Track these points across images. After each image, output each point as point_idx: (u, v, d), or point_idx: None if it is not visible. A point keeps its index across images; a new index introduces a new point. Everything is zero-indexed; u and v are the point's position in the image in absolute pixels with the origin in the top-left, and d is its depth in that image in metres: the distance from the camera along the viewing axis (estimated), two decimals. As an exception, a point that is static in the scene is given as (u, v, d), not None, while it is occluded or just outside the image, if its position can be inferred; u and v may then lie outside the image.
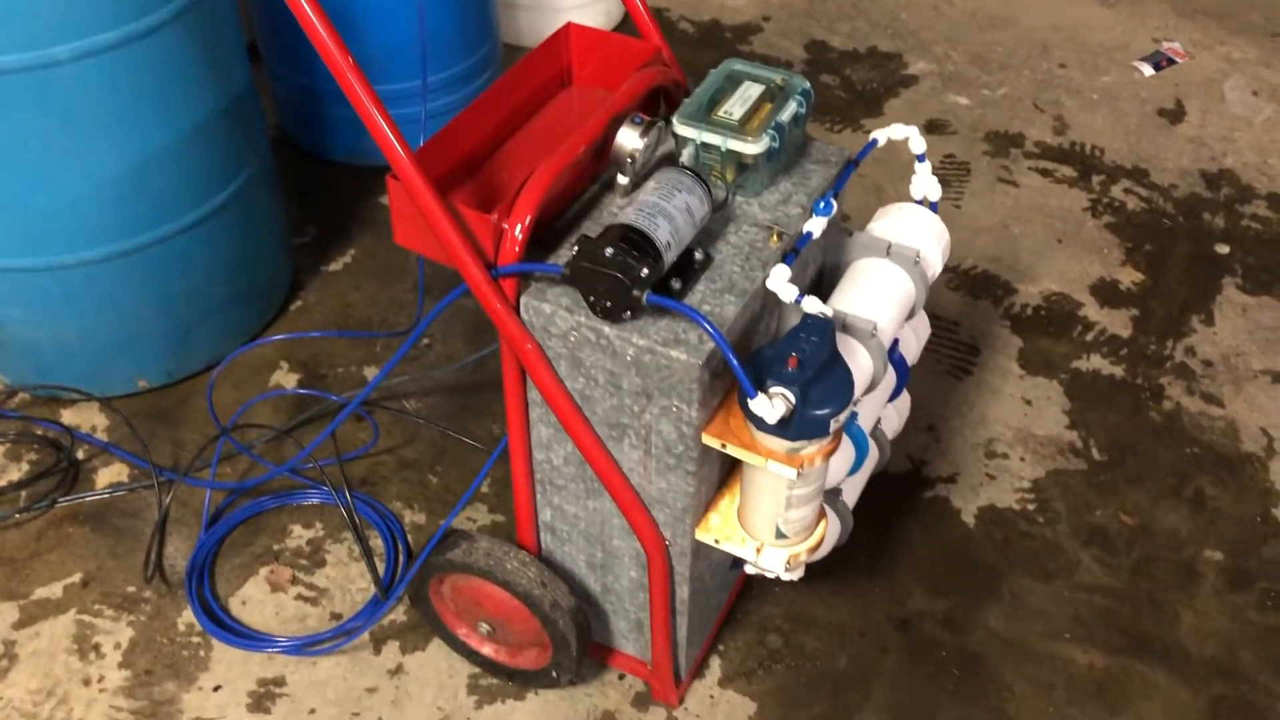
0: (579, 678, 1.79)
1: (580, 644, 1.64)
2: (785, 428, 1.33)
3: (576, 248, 1.33)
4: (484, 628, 1.73)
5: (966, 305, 2.46)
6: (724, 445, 1.39)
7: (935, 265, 1.67)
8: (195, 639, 1.86)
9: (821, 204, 1.49)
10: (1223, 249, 2.63)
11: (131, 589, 1.92)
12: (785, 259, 1.45)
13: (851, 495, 1.77)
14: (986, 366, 2.32)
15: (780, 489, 1.42)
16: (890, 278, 1.58)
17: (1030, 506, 2.07)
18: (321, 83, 2.63)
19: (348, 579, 1.93)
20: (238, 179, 2.13)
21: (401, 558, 1.97)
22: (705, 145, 1.48)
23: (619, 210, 1.40)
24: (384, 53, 2.53)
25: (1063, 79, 3.16)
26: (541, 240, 1.46)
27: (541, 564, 1.62)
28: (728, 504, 1.54)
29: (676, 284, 1.38)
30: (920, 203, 1.70)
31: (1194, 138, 2.97)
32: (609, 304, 1.32)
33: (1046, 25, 3.38)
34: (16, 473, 2.09)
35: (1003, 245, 2.61)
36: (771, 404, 1.29)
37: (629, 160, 1.47)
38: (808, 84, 1.55)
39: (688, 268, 1.41)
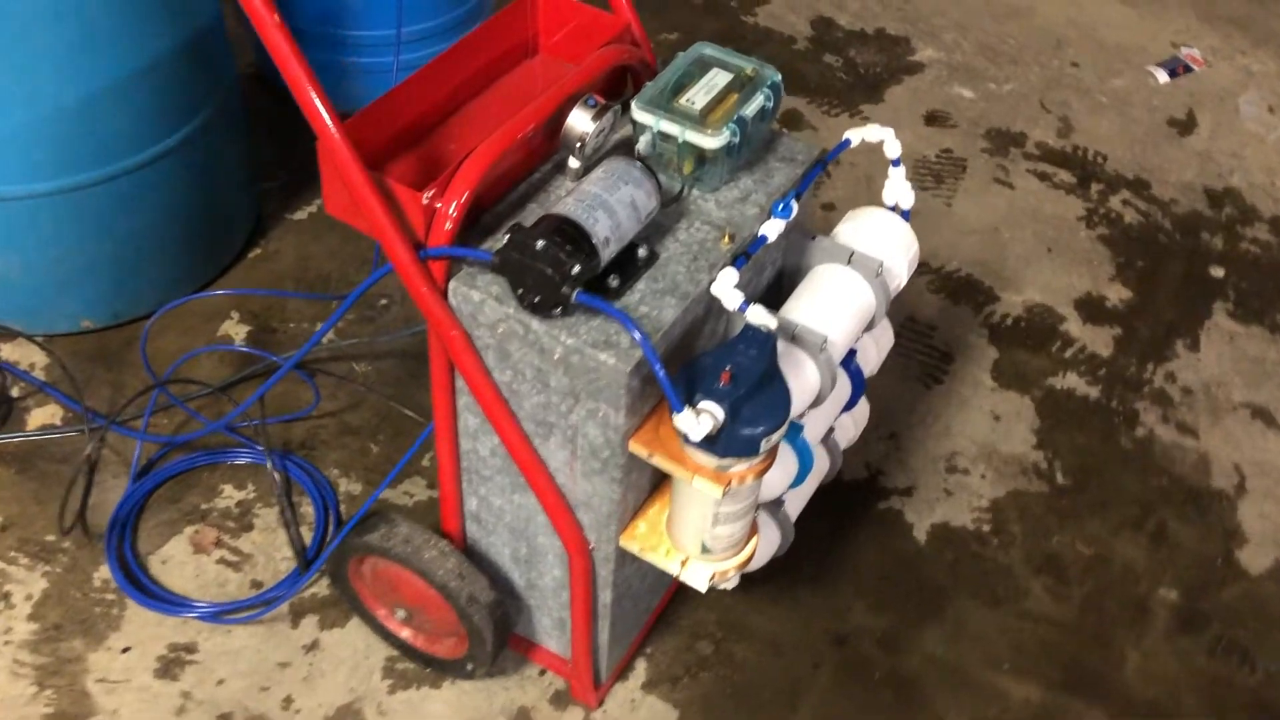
0: (498, 670, 1.73)
1: (497, 640, 1.59)
2: (712, 444, 1.26)
3: (507, 236, 1.25)
4: (400, 613, 1.67)
5: (945, 310, 2.38)
6: (650, 455, 1.32)
7: (900, 276, 1.59)
8: (110, 596, 1.80)
9: (780, 206, 1.41)
10: (1217, 272, 2.54)
11: (50, 538, 1.86)
12: (735, 262, 1.37)
13: (795, 506, 1.70)
14: (958, 376, 2.25)
15: (707, 504, 1.36)
16: (849, 288, 1.50)
17: (985, 527, 2.00)
18: (297, 22, 2.54)
19: (274, 546, 1.87)
20: (195, 120, 2.04)
21: (331, 528, 1.91)
22: (663, 134, 1.40)
23: (558, 200, 1.32)
24: (363, -3, 2.44)
25: (1073, 78, 3.05)
26: (480, 222, 1.38)
27: (461, 555, 1.56)
28: (657, 511, 1.48)
29: (614, 281, 1.30)
30: (892, 209, 1.62)
31: (1202, 151, 2.87)
32: (537, 299, 1.24)
33: (1063, 19, 3.26)
34: (-54, 406, 2.03)
35: (990, 249, 2.53)
36: (697, 420, 1.22)
37: (578, 144, 1.38)
38: (778, 76, 1.46)
39: (629, 264, 1.33)
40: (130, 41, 1.86)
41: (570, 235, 1.23)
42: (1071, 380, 2.26)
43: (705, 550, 1.42)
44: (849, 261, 1.51)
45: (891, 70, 3.02)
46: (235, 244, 2.33)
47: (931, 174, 2.70)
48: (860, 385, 1.66)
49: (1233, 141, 2.91)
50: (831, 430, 1.72)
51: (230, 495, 1.94)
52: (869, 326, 1.56)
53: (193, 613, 1.78)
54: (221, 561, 1.85)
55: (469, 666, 1.65)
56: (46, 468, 1.96)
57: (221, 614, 1.78)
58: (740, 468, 1.30)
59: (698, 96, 1.42)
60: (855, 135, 1.56)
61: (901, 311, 2.34)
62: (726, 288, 1.32)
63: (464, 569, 1.55)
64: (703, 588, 1.44)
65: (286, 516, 1.84)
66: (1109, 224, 2.62)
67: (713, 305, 1.37)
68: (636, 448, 1.33)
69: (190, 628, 1.77)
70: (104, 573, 1.82)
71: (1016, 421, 2.18)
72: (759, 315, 1.30)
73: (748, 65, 1.47)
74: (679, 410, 1.21)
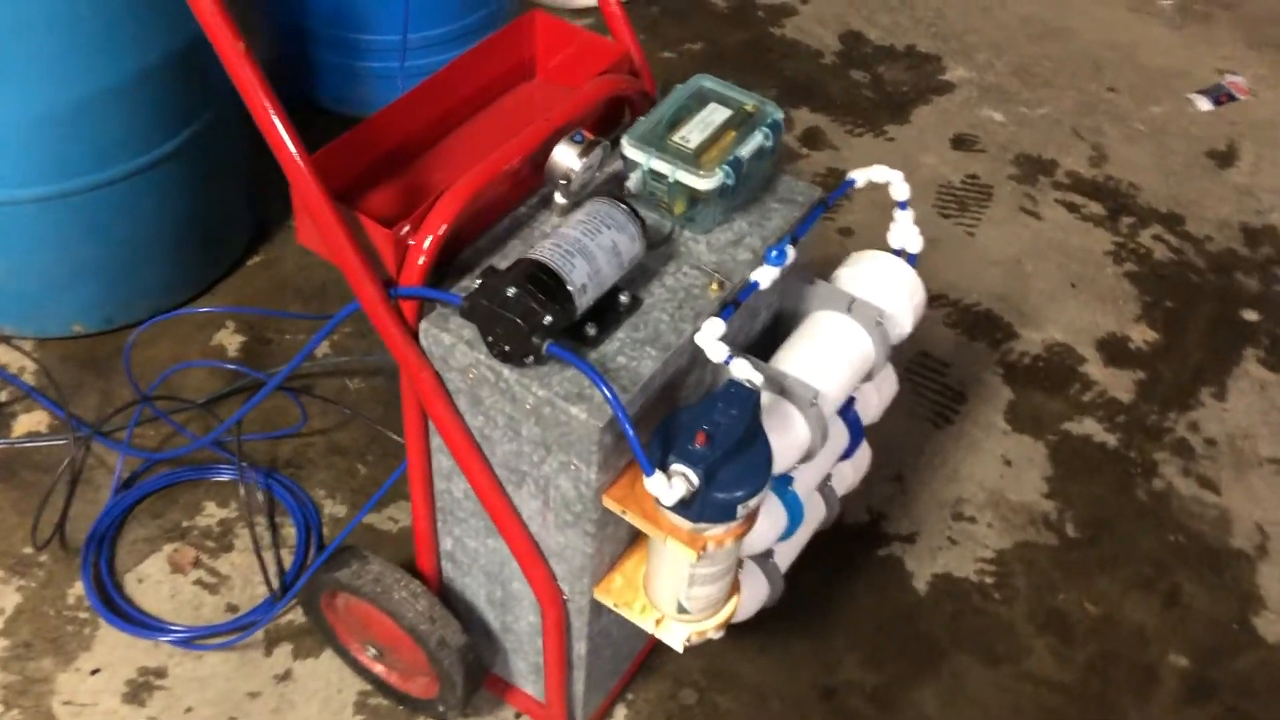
0: (473, 710, 1.68)
1: (468, 685, 1.53)
2: (687, 508, 1.19)
3: (479, 281, 1.19)
4: (371, 651, 1.62)
5: (961, 346, 2.29)
6: (624, 512, 1.26)
7: (904, 325, 1.51)
8: (83, 614, 1.76)
9: (774, 253, 1.34)
10: (1251, 315, 2.44)
11: (27, 550, 1.83)
12: (723, 312, 1.30)
13: (786, 557, 1.63)
14: (970, 417, 2.16)
15: (683, 565, 1.29)
16: (847, 337, 1.43)
17: (989, 580, 1.92)
18: (312, 25, 2.49)
19: (252, 569, 1.83)
20: (191, 126, 1.99)
21: (313, 552, 1.86)
22: (654, 173, 1.33)
23: (539, 239, 1.26)
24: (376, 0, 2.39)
25: (1109, 104, 2.95)
26: (459, 258, 1.32)
27: (433, 597, 1.50)
28: (635, 565, 1.41)
29: (592, 329, 1.24)
30: (898, 253, 1.54)
31: (1241, 186, 2.76)
32: (507, 348, 1.18)
33: (1102, 41, 3.15)
34: (-67, 409, 2.00)
35: (1012, 283, 2.44)
36: (670, 484, 1.15)
37: (563, 181, 1.32)
38: (780, 114, 1.39)
39: (610, 311, 1.27)
40: (125, 46, 1.82)
41: (544, 282, 1.17)
42: (1089, 426, 2.17)
43: (682, 610, 1.35)
44: (848, 309, 1.44)
45: (920, 89, 2.93)
46: (234, 250, 2.28)
47: (955, 201, 2.61)
48: (859, 434, 1.59)
49: (1275, 176, 2.80)
50: (829, 477, 1.65)
51: (212, 513, 1.90)
52: (868, 376, 1.49)
53: (165, 637, 1.73)
54: (198, 583, 1.81)
55: (440, 709, 1.60)
56: (29, 477, 1.92)
57: (194, 639, 1.73)
58: (716, 531, 1.23)
59: (692, 134, 1.35)
60: (861, 175, 1.49)
61: (915, 346, 2.26)
62: (711, 339, 1.26)
63: (435, 612, 1.49)
64: (679, 647, 1.38)
65: (258, 544, 1.79)
66: (1138, 260, 2.52)
67: (697, 355, 1.30)
68: (610, 503, 1.27)
69: (161, 651, 1.73)
70: (79, 589, 1.78)
71: (1028, 468, 2.09)
72: (743, 370, 1.23)
73: (748, 101, 1.40)
74: (649, 473, 1.15)
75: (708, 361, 1.36)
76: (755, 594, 1.58)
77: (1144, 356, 2.32)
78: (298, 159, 1.17)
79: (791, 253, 1.36)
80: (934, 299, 2.37)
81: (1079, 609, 1.89)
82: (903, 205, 1.51)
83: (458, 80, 1.46)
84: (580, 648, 1.48)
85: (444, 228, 1.23)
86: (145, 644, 1.73)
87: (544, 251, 1.19)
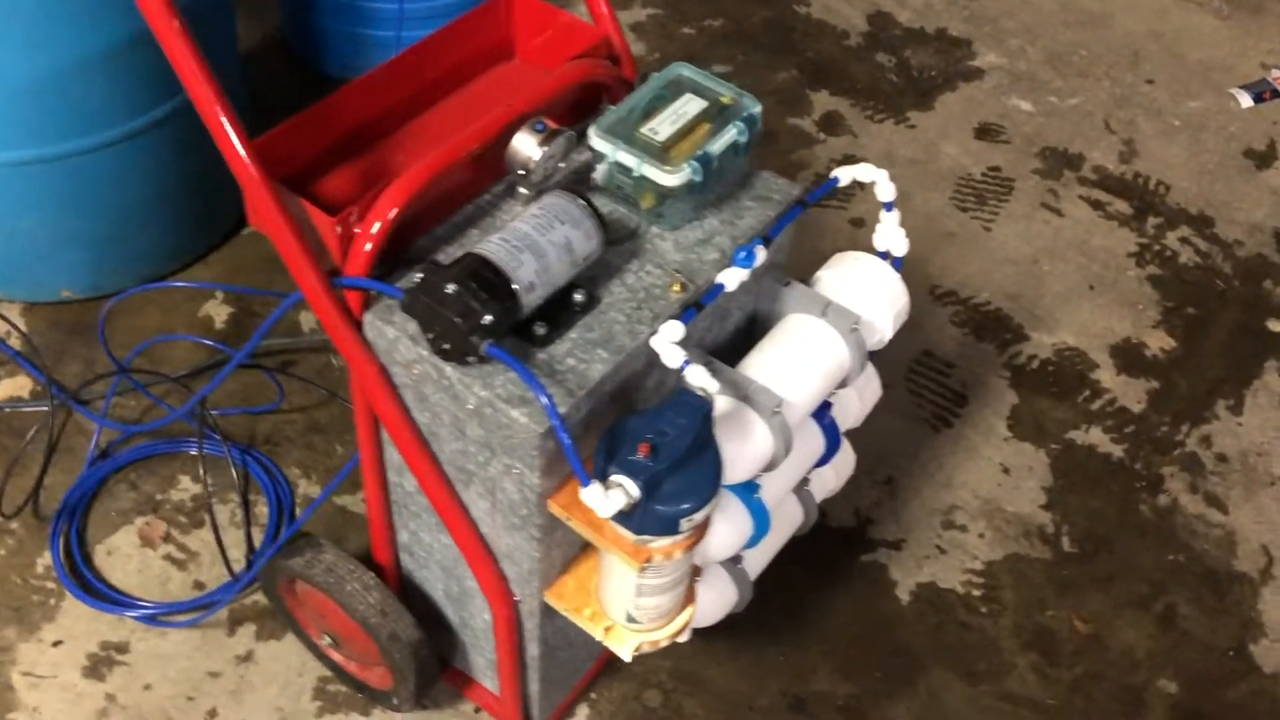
0: (432, 703, 1.65)
1: (419, 680, 1.50)
2: (627, 520, 1.14)
3: (420, 276, 1.14)
4: (326, 639, 1.59)
5: (968, 346, 2.21)
6: (569, 519, 1.22)
7: (884, 331, 1.45)
8: (50, 584, 1.75)
9: (742, 254, 1.28)
10: (1276, 326, 2.33)
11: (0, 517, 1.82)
12: (684, 314, 1.24)
13: (757, 563, 1.58)
14: (970, 421, 2.09)
15: (629, 575, 1.25)
16: (819, 344, 1.37)
17: (976, 592, 1.86)
18: (316, -9, 2.45)
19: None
20: (181, 94, 1.94)
21: (282, 532, 1.84)
22: (620, 165, 1.28)
23: (494, 231, 1.21)
24: (380, -34, 2.34)
25: (1145, 97, 2.83)
26: (415, 246, 1.27)
27: (386, 590, 1.47)
28: (588, 570, 1.37)
29: (541, 329, 1.19)
30: (884, 256, 1.47)
31: (1278, 189, 2.64)
32: (447, 346, 1.14)
33: (1144, 30, 3.02)
34: (-82, 369, 2.00)
35: (1026, 282, 2.35)
36: (607, 495, 1.10)
37: (521, 171, 1.27)
38: (758, 108, 1.32)
39: (563, 309, 1.22)
40: (113, 11, 1.78)
41: (487, 280, 1.12)
42: (1094, 436, 2.09)
43: (631, 620, 1.31)
44: (823, 313, 1.38)
45: (947, 75, 2.83)
46: (227, 220, 2.25)
47: (974, 193, 2.52)
48: (836, 440, 1.53)
49: (1315, 178, 2.67)
50: (806, 481, 1.59)
51: (186, 488, 1.88)
52: (843, 384, 1.43)
53: (130, 612, 1.72)
54: (167, 558, 1.80)
55: (394, 701, 1.57)
56: (8, 443, 1.91)
57: (158, 615, 1.72)
58: (662, 544, 1.18)
59: (663, 126, 1.29)
60: (845, 174, 1.42)
61: (918, 345, 2.18)
62: (667, 343, 1.20)
63: (387, 605, 1.46)
64: (626, 657, 1.33)
65: (216, 523, 1.76)
66: (1162, 263, 2.42)
67: (655, 358, 1.25)
68: (555, 509, 1.22)
69: (125, 626, 1.72)
70: (48, 558, 1.78)
71: (1027, 477, 2.01)
72: (698, 377, 1.18)
73: (726, 93, 1.33)
74: (585, 484, 1.10)
75: (668, 364, 1.30)
76: (722, 599, 1.53)
77: (1159, 365, 2.22)
78: (234, 139, 1.13)
79: (762, 254, 1.29)
80: (943, 296, 2.29)
81: (1068, 627, 1.82)
82: (889, 206, 1.44)
83: (429, 59, 1.41)
84: (533, 649, 1.45)
85: (393, 213, 1.18)
86: (110, 618, 1.72)
87: (490, 247, 1.14)
